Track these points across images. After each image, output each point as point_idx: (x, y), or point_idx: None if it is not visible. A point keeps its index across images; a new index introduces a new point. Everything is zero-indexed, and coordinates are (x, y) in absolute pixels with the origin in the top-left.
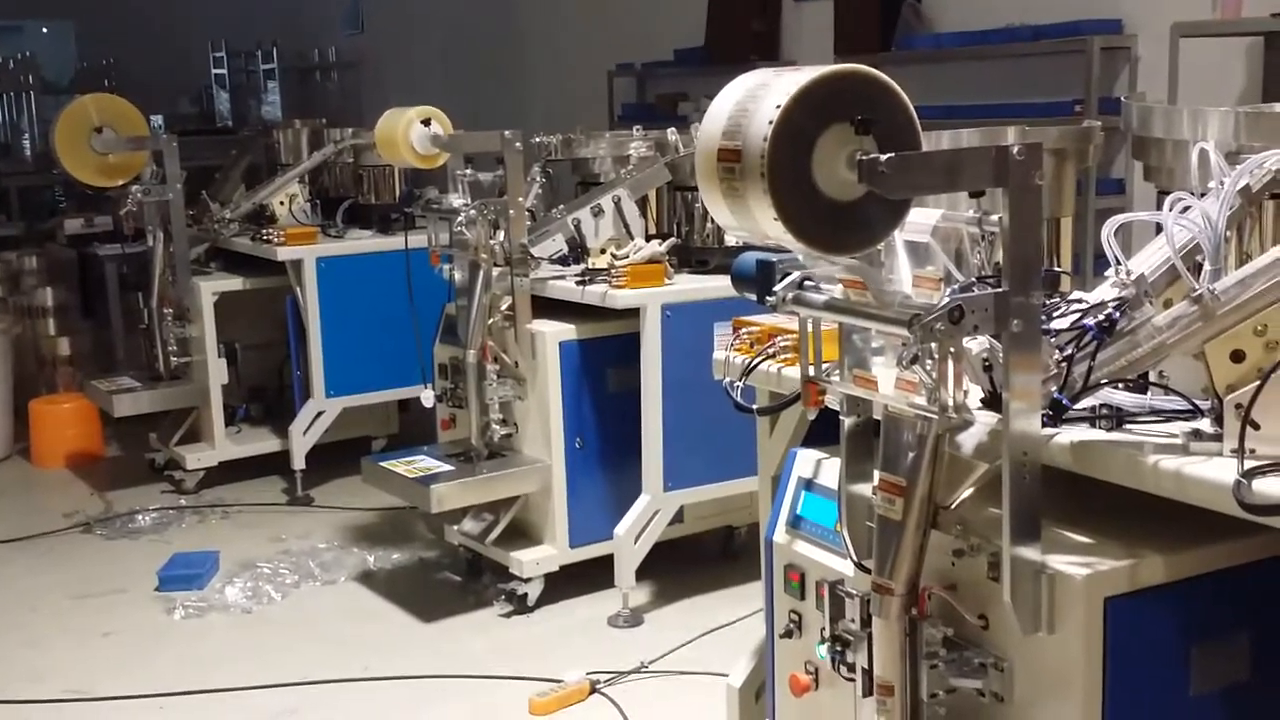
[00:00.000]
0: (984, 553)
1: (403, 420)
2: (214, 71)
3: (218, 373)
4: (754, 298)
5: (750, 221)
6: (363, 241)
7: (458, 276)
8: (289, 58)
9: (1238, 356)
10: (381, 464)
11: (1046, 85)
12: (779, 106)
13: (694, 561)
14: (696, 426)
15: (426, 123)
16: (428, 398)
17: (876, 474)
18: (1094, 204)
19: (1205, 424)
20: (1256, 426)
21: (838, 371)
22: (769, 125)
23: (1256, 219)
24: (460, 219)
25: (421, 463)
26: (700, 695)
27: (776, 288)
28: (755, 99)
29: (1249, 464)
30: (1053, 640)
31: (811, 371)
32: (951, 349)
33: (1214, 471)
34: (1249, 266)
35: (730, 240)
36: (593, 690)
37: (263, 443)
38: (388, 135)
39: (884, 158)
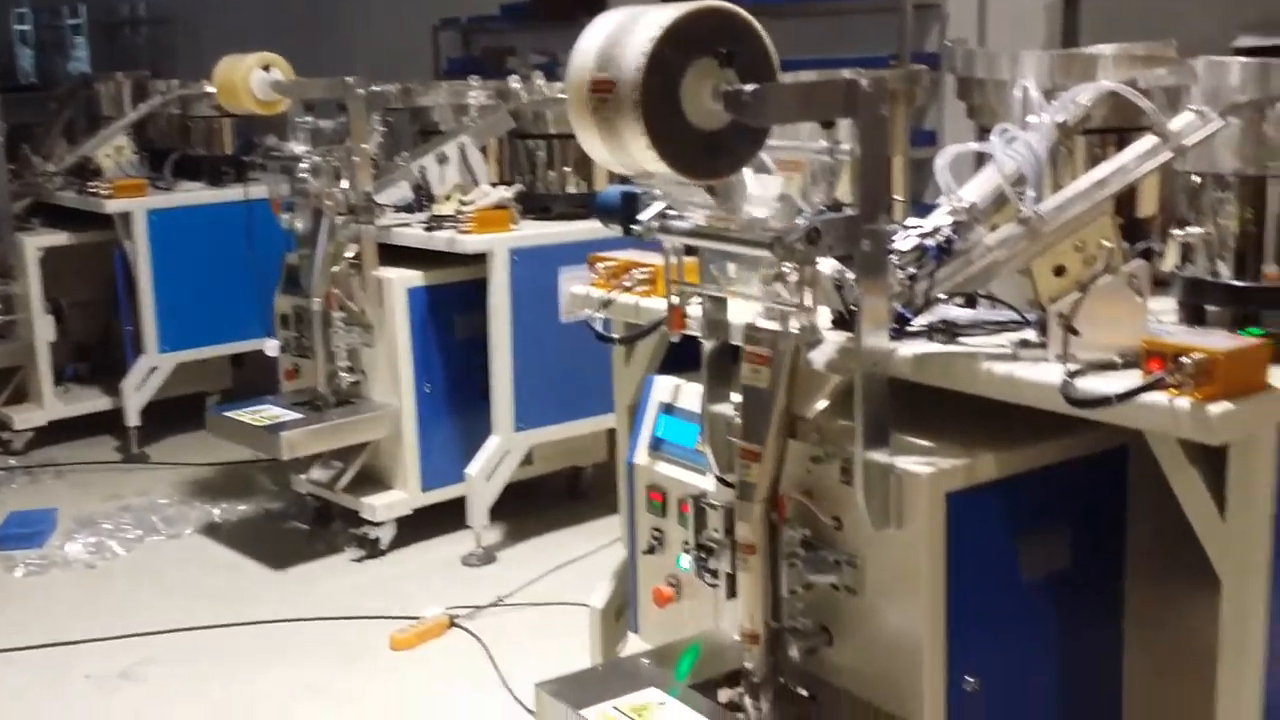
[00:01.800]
0: (838, 459)
1: (236, 375)
2: (15, 28)
3: (44, 330)
4: (618, 228)
5: (622, 150)
6: (195, 194)
7: (300, 226)
8: (96, 13)
9: (1060, 271)
10: (226, 414)
11: (864, 41)
12: (652, 39)
13: (543, 501)
14: (544, 368)
15: (266, 69)
16: (271, 347)
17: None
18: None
19: (1031, 334)
20: (1077, 333)
21: (698, 299)
22: (642, 57)
23: (1070, 151)
24: (303, 167)
25: (268, 411)
26: (556, 624)
27: (641, 216)
28: (627, 32)
29: (1071, 366)
30: (900, 535)
31: (675, 297)
32: (808, 269)
33: (1041, 374)
34: (1068, 190)
35: (572, 188)
36: (451, 624)
37: (93, 401)
38: (227, 82)
39: (747, 89)
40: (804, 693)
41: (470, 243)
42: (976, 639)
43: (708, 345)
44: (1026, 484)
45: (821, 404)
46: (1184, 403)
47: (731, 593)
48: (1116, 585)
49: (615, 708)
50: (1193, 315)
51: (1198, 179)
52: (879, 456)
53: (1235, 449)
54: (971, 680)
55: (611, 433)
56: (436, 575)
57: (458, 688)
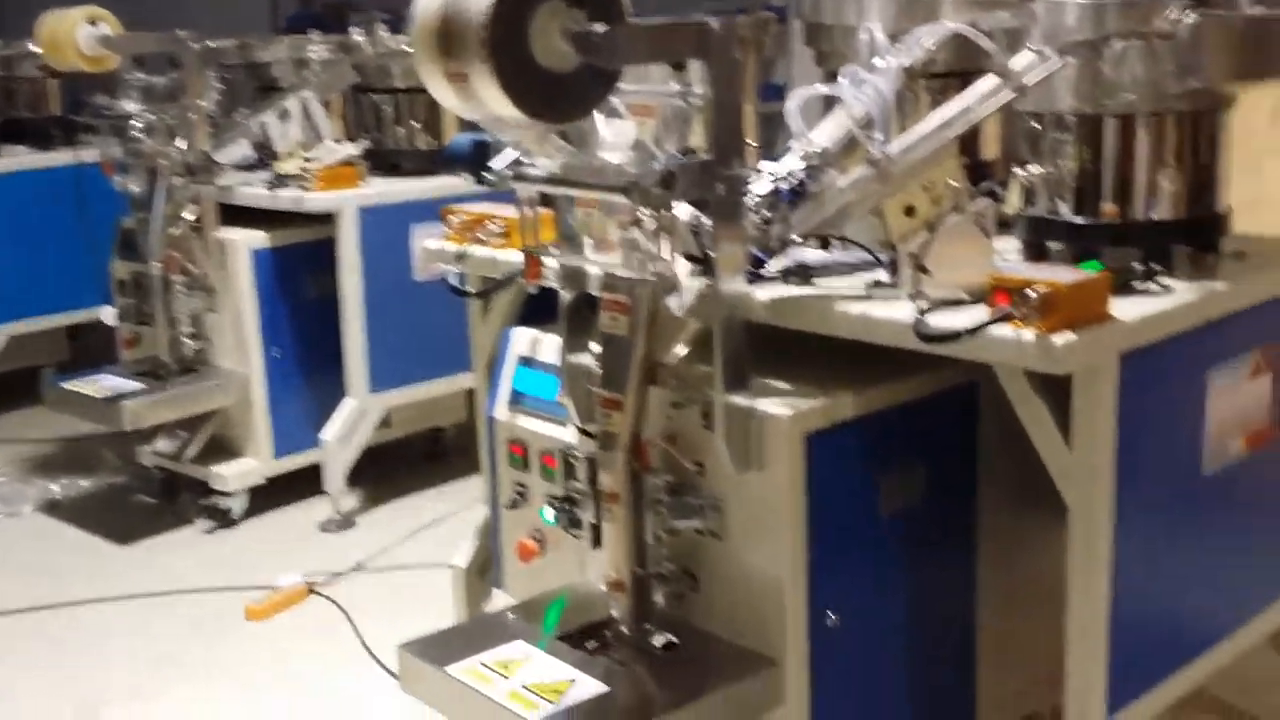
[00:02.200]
0: (698, 404)
1: (74, 347)
2: None
3: None
4: (469, 178)
5: (470, 96)
6: (21, 158)
7: (135, 188)
8: None
9: (909, 211)
10: (64, 386)
11: None
12: None
13: (403, 464)
14: (399, 328)
15: (93, 23)
16: (109, 315)
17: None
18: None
19: (884, 274)
20: (927, 272)
21: (554, 249)
22: (488, 2)
23: (916, 94)
24: (135, 126)
25: (106, 382)
26: (420, 587)
27: (493, 164)
28: None
29: (923, 304)
30: (762, 477)
31: (532, 246)
32: (664, 213)
33: (894, 313)
34: (915, 131)
35: (422, 144)
36: (310, 592)
37: None
38: (52, 38)
39: (597, 29)
40: (670, 638)
41: (317, 201)
42: (837, 576)
43: (565, 295)
44: (883, 422)
45: (681, 350)
46: (1029, 335)
47: (597, 543)
48: (969, 519)
49: (481, 663)
50: (1036, 253)
51: (1037, 121)
52: (739, 400)
53: (1079, 379)
54: (833, 616)
55: (471, 392)
56: (293, 544)
57: (319, 656)
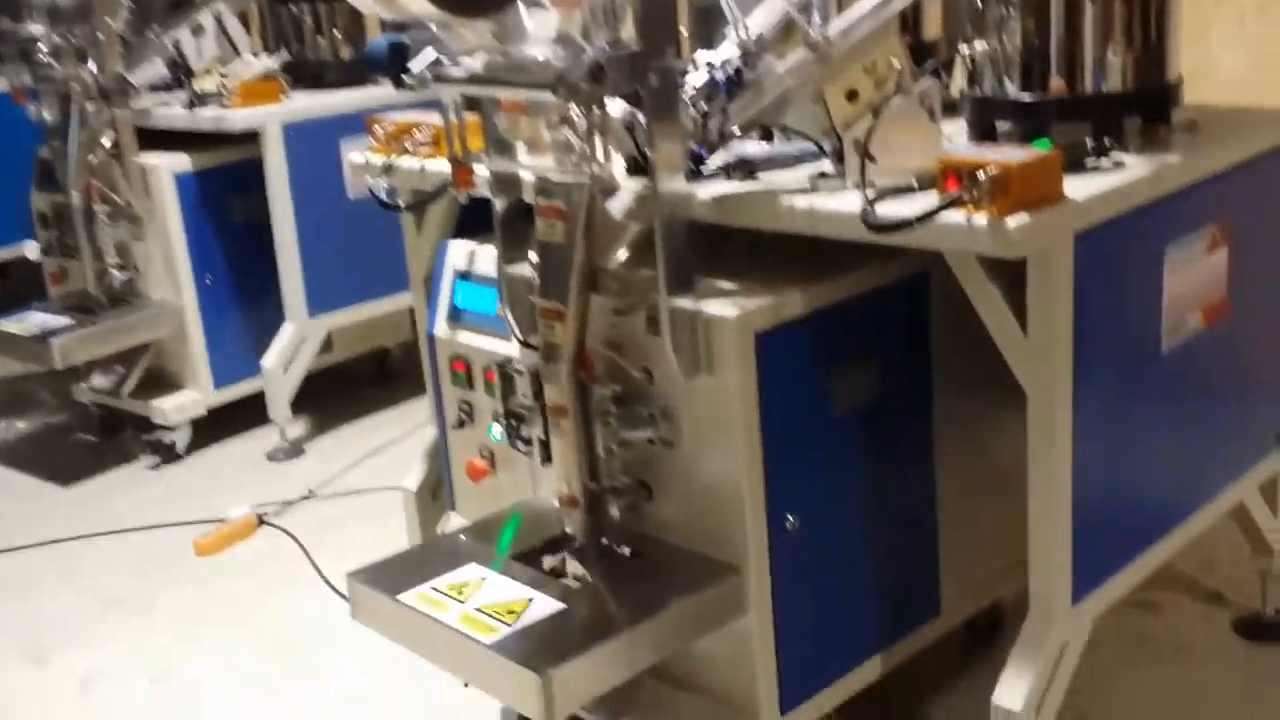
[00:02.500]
0: (642, 309)
1: (2, 286)
2: None
3: None
4: (389, 82)
5: None
6: None
7: (48, 115)
8: None
9: (852, 96)
10: None
11: None
12: None
13: (349, 388)
14: (335, 248)
15: None
16: (32, 250)
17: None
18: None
19: (828, 165)
20: (873, 159)
21: (484, 155)
22: None
23: None
24: (43, 50)
25: (34, 319)
26: (373, 511)
27: (413, 66)
28: None
29: (870, 193)
30: (711, 381)
31: (459, 153)
32: (595, 111)
33: (841, 204)
34: (853, 11)
35: (345, 54)
36: (260, 523)
37: None
38: None
39: None
40: (627, 551)
41: (238, 119)
42: (794, 478)
43: (499, 204)
44: (834, 318)
45: (622, 254)
46: (981, 219)
47: (546, 459)
48: (925, 412)
49: (434, 589)
50: (983, 134)
51: None
52: (684, 303)
53: (1033, 262)
54: (792, 519)
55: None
56: (241, 475)
57: (272, 587)
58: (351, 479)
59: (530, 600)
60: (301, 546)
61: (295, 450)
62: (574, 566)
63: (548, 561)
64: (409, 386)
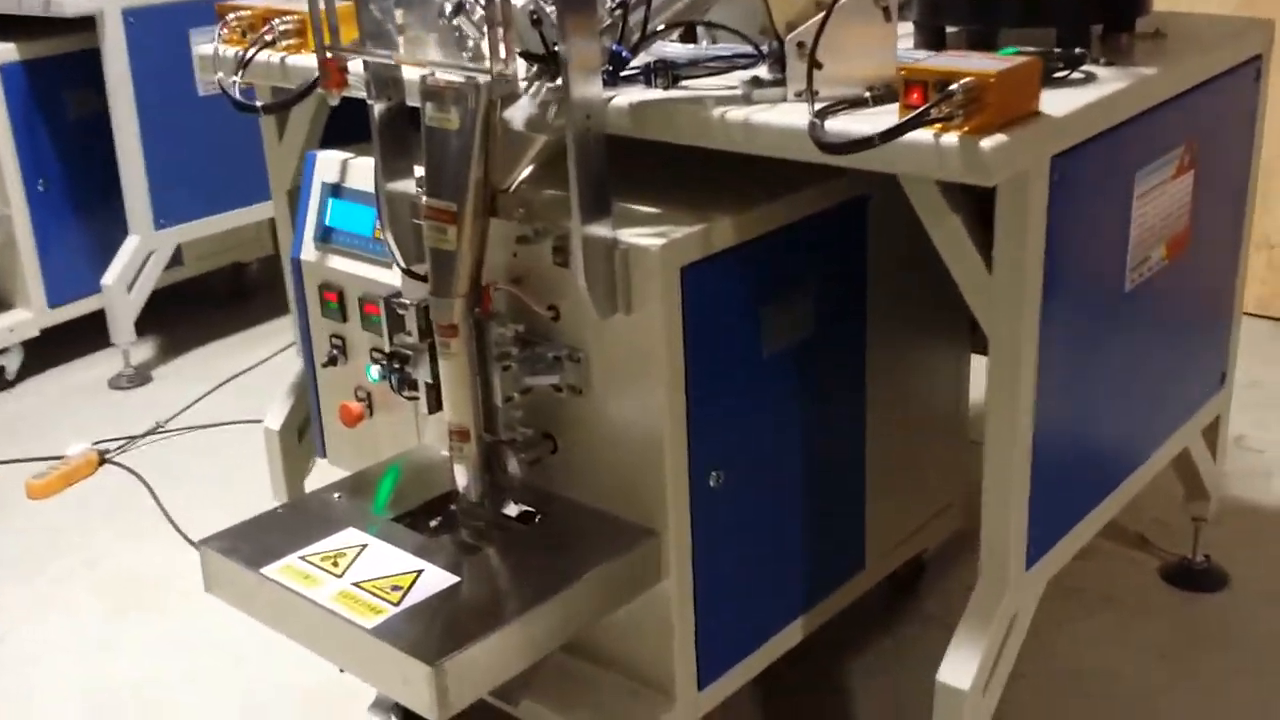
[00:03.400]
0: (549, 237)
1: None
2: None
3: None
4: None
5: None
6: None
7: None
8: None
9: None
10: None
11: None
12: None
13: (201, 307)
14: (185, 152)
15: None
16: None
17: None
18: None
19: (764, 70)
20: (819, 65)
21: (360, 51)
22: None
23: None
24: None
25: None
26: (229, 448)
27: None
28: None
29: (817, 105)
30: (629, 321)
31: (329, 47)
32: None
33: (783, 118)
34: None
35: None
36: (102, 461)
37: None
38: None
39: None
40: (527, 509)
41: (71, 3)
42: (720, 429)
43: (377, 108)
44: (766, 248)
45: (525, 172)
46: (952, 139)
47: (436, 405)
48: (858, 349)
49: (304, 559)
50: (932, 39)
51: None
52: (599, 231)
53: (1005, 190)
54: (716, 475)
55: (275, 222)
56: (79, 404)
57: (116, 535)
58: (204, 411)
59: (418, 573)
60: (148, 488)
61: (140, 378)
62: (467, 530)
63: (436, 525)
64: (268, 306)
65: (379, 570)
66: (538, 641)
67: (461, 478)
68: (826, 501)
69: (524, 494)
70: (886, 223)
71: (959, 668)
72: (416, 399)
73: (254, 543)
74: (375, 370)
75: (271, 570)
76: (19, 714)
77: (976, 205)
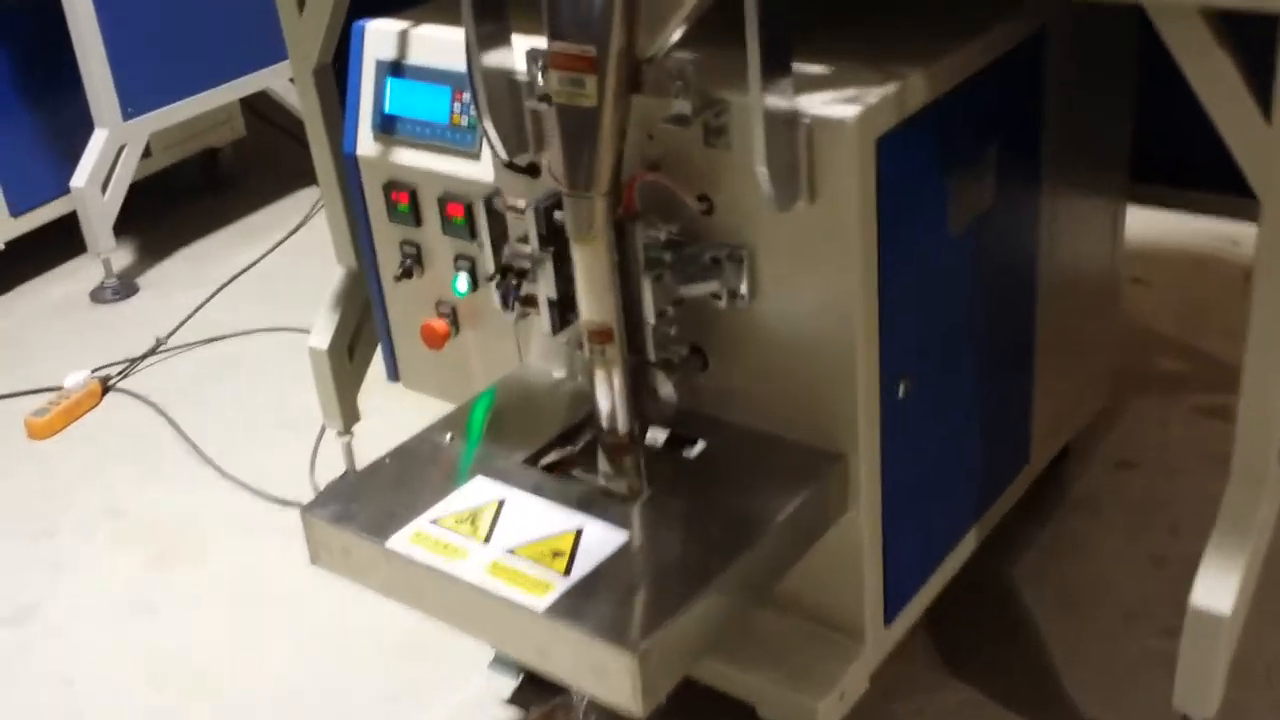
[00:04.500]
0: (705, 113)
1: None
2: None
3: None
4: None
5: None
6: None
7: None
8: None
9: None
10: None
11: None
12: None
13: (176, 202)
14: (149, 31)
15: None
16: None
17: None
18: None
19: None
20: None
21: None
22: None
23: None
24: None
25: None
26: (243, 361)
27: None
28: None
29: None
30: (810, 210)
31: None
32: None
33: None
34: None
35: None
36: (106, 390)
37: None
38: None
39: None
40: (681, 437)
41: None
42: (910, 329)
43: None
44: (953, 106)
45: (676, 35)
46: None
47: (561, 323)
48: (1032, 218)
49: (435, 523)
50: None
51: None
52: (779, 102)
53: None
54: (905, 382)
55: (247, 102)
56: (64, 325)
57: (136, 473)
58: (209, 320)
59: (578, 532)
60: (166, 415)
61: (127, 287)
62: (617, 469)
63: (578, 463)
64: (248, 196)
65: (529, 531)
66: (738, 604)
67: (604, 400)
68: (1001, 395)
69: (674, 419)
70: (1063, 60)
71: (1216, 589)
72: (526, 316)
73: (367, 504)
74: (464, 281)
75: (401, 541)
76: (64, 700)
77: (1243, 39)
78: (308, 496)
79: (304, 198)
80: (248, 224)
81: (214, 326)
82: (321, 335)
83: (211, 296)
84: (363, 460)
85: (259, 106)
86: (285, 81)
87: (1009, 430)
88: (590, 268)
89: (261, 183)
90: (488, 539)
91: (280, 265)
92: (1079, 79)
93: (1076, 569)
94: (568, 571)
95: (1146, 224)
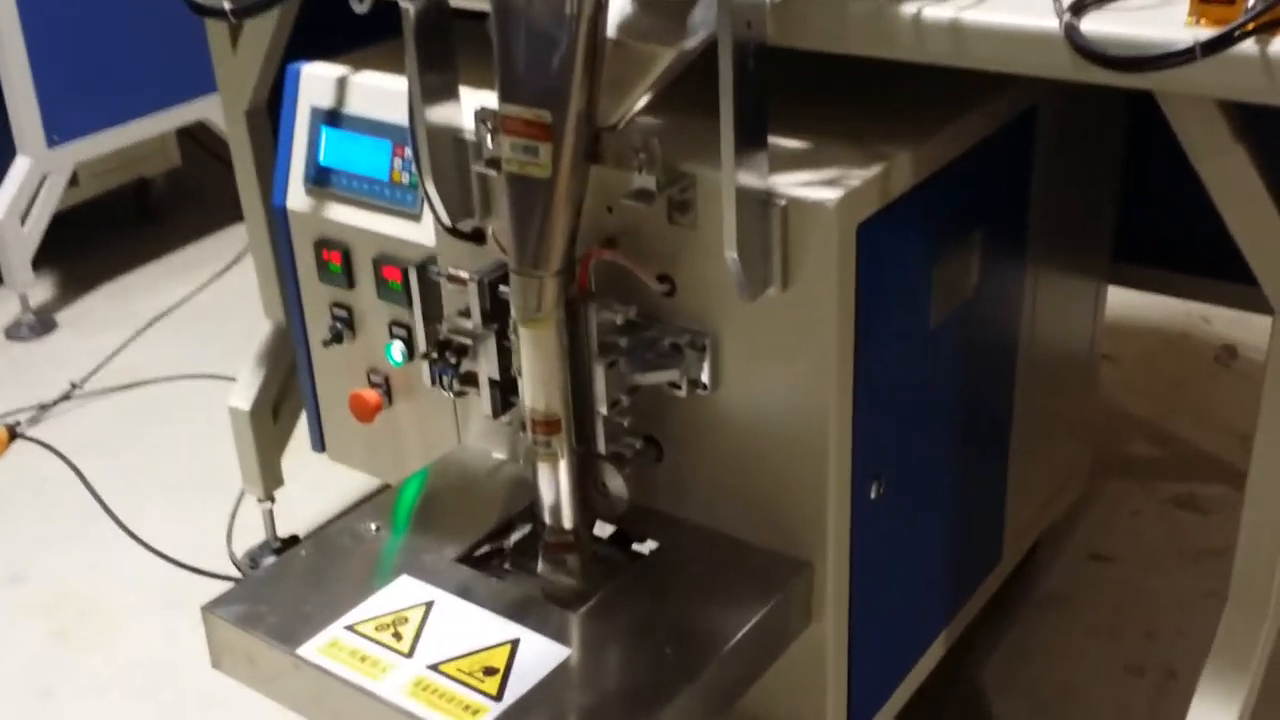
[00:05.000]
0: (671, 188)
1: None
2: None
3: None
4: None
5: None
6: None
7: None
8: None
9: None
10: None
11: None
12: None
13: (102, 233)
14: (79, 54)
15: None
16: None
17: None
18: None
19: None
20: None
21: None
22: None
23: None
24: None
25: None
26: (163, 410)
27: None
28: None
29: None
30: (782, 297)
31: None
32: None
33: (1013, 17)
34: None
35: None
36: (13, 436)
37: None
38: None
39: None
40: (627, 536)
41: None
42: (885, 426)
43: (412, 4)
44: (938, 190)
45: (640, 104)
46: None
47: (502, 406)
48: (1015, 305)
49: (353, 629)
50: None
51: None
52: (753, 180)
53: None
54: (878, 483)
55: (184, 132)
56: None
57: (41, 533)
58: (125, 364)
59: (513, 644)
60: (74, 468)
61: (43, 324)
62: (557, 570)
63: (514, 562)
64: (180, 229)
65: (459, 642)
66: None
67: (548, 494)
68: (973, 492)
69: (616, 507)
70: (1052, 138)
71: None
72: (465, 394)
73: (279, 603)
74: (398, 350)
75: (313, 649)
76: None
77: (1257, 127)
78: (224, 566)
79: (239, 233)
80: (178, 259)
81: (135, 370)
82: (244, 394)
83: (134, 337)
84: (285, 527)
85: (196, 134)
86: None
87: (982, 527)
88: (537, 352)
89: (195, 216)
90: (412, 651)
91: (210, 304)
92: (1067, 157)
93: (1049, 675)
94: (500, 695)
95: (1116, 298)
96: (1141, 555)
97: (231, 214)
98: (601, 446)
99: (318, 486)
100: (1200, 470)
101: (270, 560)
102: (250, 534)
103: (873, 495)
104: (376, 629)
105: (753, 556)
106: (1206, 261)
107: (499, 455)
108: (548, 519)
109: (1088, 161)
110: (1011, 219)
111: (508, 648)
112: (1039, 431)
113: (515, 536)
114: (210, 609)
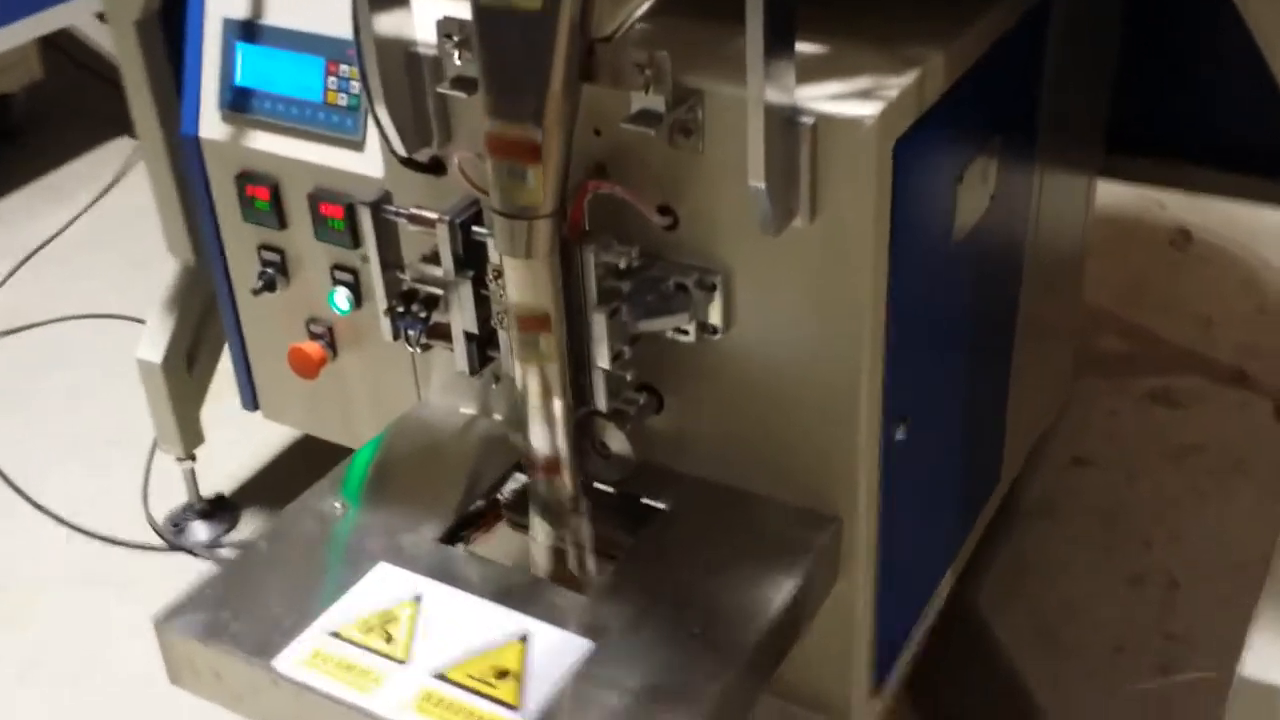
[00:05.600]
0: (677, 108)
1: None
2: None
3: None
4: None
5: None
6: None
7: None
8: None
9: None
10: None
11: None
12: None
13: None
14: None
15: None
16: None
17: None
18: None
19: None
20: None
21: None
22: None
23: None
24: None
25: None
26: (72, 355)
27: None
28: None
29: None
30: (806, 228)
31: None
32: None
33: None
34: None
35: None
36: None
37: None
38: None
39: None
40: (655, 504)
41: None
42: (915, 364)
43: None
44: (964, 96)
45: (640, 10)
46: None
47: (481, 362)
48: (1023, 216)
49: (337, 635)
50: None
51: None
52: (780, 96)
53: None
54: (904, 425)
55: (46, 41)
56: None
57: None
58: (8, 305)
59: (525, 639)
60: None
61: None
62: (560, 542)
63: (508, 522)
64: (47, 149)
65: (461, 640)
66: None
67: (541, 439)
68: (981, 420)
69: (619, 469)
70: (1062, 34)
71: (1271, 659)
72: (429, 348)
73: (242, 607)
74: (343, 297)
75: (293, 663)
76: None
77: None
78: (143, 533)
79: (116, 149)
80: (49, 183)
81: (17, 312)
82: (153, 345)
83: (11, 274)
84: (208, 486)
85: (60, 43)
86: (92, 18)
87: (985, 451)
88: (529, 278)
89: (65, 133)
90: (408, 657)
91: (92, 233)
92: (1075, 48)
93: (1049, 592)
94: (521, 703)
95: None
96: (1124, 458)
97: (105, 128)
98: (603, 404)
99: (240, 439)
100: (1171, 362)
101: (196, 525)
102: (168, 494)
103: (899, 438)
104: (363, 631)
105: (771, 513)
106: (1165, 145)
107: (468, 410)
108: (541, 470)
109: (1091, 53)
110: (1025, 121)
111: (519, 644)
112: (1037, 339)
113: (502, 502)
114: (165, 622)
